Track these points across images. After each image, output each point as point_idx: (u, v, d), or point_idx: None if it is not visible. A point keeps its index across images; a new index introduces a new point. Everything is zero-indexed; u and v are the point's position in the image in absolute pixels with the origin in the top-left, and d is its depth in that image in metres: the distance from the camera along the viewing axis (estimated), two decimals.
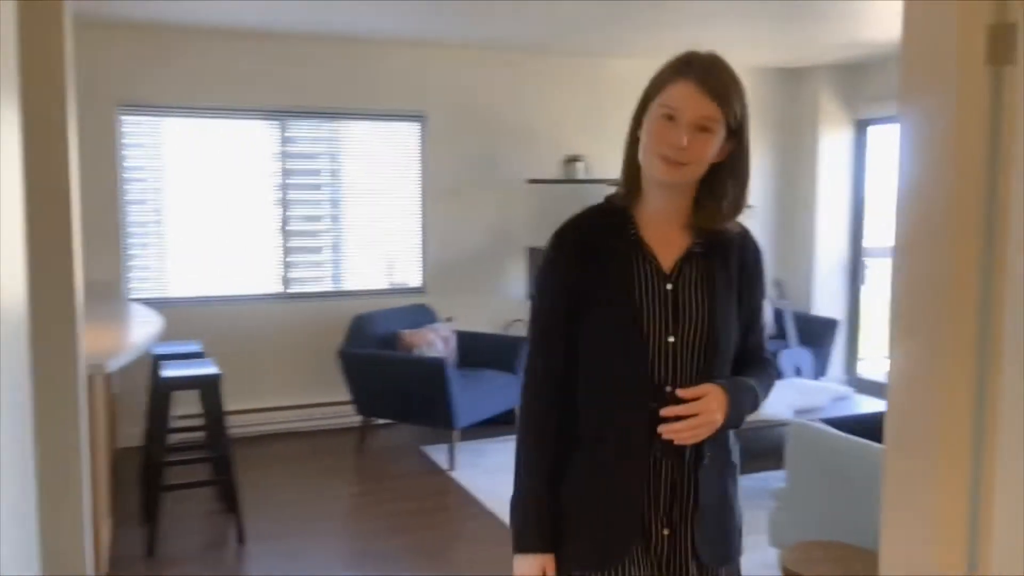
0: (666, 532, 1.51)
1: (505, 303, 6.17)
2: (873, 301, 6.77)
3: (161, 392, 3.84)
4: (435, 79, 5.89)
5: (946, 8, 1.85)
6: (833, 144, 6.65)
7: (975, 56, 1.84)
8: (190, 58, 5.34)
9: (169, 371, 3.88)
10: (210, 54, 5.37)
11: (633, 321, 1.47)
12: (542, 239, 6.29)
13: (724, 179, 1.49)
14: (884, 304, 6.85)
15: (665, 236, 1.52)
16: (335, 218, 5.82)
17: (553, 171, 6.11)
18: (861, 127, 6.66)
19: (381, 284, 5.96)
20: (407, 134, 5.93)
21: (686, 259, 1.52)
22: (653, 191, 1.51)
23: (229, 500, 3.97)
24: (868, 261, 6.73)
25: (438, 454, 5.12)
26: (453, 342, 5.49)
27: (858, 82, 6.56)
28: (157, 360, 4.25)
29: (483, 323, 6.02)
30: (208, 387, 3.90)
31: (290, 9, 4.75)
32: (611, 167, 6.77)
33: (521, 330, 6.09)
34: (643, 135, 1.48)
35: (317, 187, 5.78)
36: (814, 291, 6.67)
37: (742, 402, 1.50)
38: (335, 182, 5.81)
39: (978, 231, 1.84)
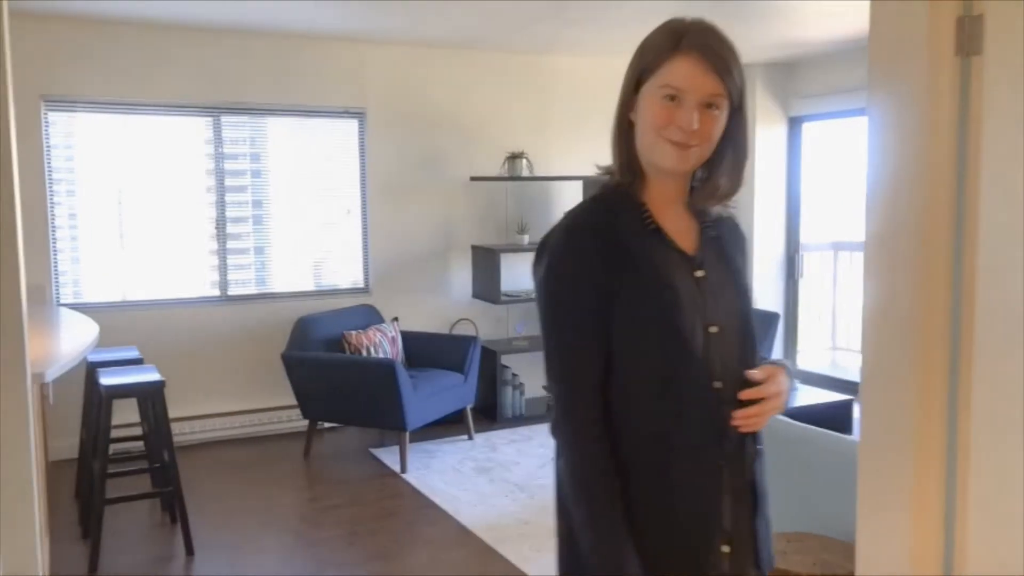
0: (726, 550, 1.37)
1: (450, 302, 6.11)
2: (810, 295, 6.94)
3: (102, 400, 3.66)
4: (374, 75, 5.79)
5: (915, 2, 1.89)
6: (768, 141, 6.79)
7: (944, 47, 1.88)
8: (120, 52, 5.12)
9: (109, 378, 3.70)
10: (141, 48, 5.16)
11: (676, 315, 1.33)
12: (486, 237, 6.28)
13: (724, 153, 1.39)
14: (821, 297, 7.05)
15: (677, 221, 1.42)
16: (273, 218, 5.66)
17: (496, 168, 6.08)
18: (795, 124, 6.82)
19: (322, 285, 5.83)
20: (347, 131, 5.81)
21: (704, 244, 1.43)
22: (658, 176, 1.40)
23: (174, 511, 3.82)
24: (804, 255, 6.90)
25: (388, 457, 5.04)
26: (400, 342, 5.41)
27: (792, 80, 6.72)
28: (92, 367, 4.06)
29: (428, 323, 5.95)
30: (151, 395, 3.75)
31: (224, 2, 4.60)
32: (554, 164, 6.83)
33: (468, 329, 6.05)
34: (641, 119, 1.36)
35: (254, 186, 5.62)
36: (753, 285, 6.79)
37: (793, 384, 1.44)
38: (273, 181, 5.65)
39: (949, 220, 1.88)
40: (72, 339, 3.73)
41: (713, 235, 1.45)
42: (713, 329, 1.36)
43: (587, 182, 6.12)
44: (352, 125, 5.81)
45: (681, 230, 1.42)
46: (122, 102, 5.18)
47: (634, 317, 1.33)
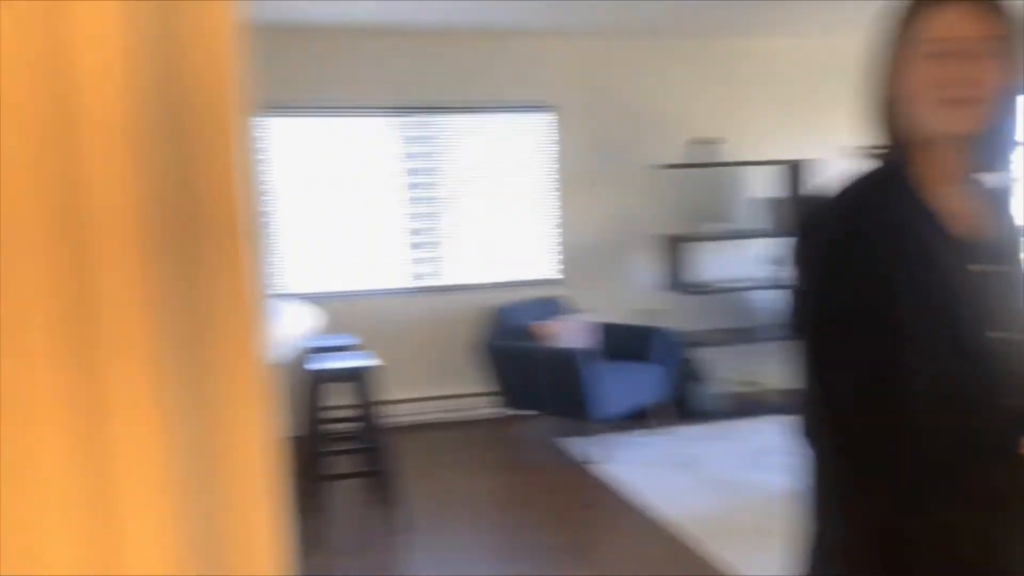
0: None
1: (638, 292, 6.05)
2: None
3: (314, 383, 3.92)
4: (562, 68, 5.81)
5: None
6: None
7: None
8: (315, 57, 5.41)
9: (322, 363, 3.95)
10: (333, 53, 5.42)
11: (951, 315, 1.17)
12: (673, 226, 6.10)
13: (1000, 108, 1.19)
14: None
15: (955, 203, 1.24)
16: (465, 211, 5.82)
17: (686, 156, 5.95)
18: None
19: (514, 276, 5.92)
20: (538, 125, 5.87)
21: (982, 229, 1.24)
22: (931, 148, 1.23)
23: (382, 490, 4.02)
24: None
25: (580, 447, 5.06)
26: (592, 332, 5.42)
27: None
28: (308, 353, 4.34)
29: (616, 313, 5.92)
30: (358, 379, 3.96)
31: (415, 4, 4.76)
32: (748, 149, 6.57)
33: (650, 320, 5.96)
34: (904, 85, 1.21)
35: (447, 182, 5.80)
36: None
37: None
38: (465, 176, 5.81)
39: None
40: (292, 326, 4.00)
41: (997, 221, 1.26)
42: (996, 333, 1.17)
43: (788, 166, 5.87)
44: (543, 119, 5.86)
45: (959, 214, 1.23)
46: (321, 105, 5.48)
47: (902, 315, 1.17)
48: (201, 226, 0.63)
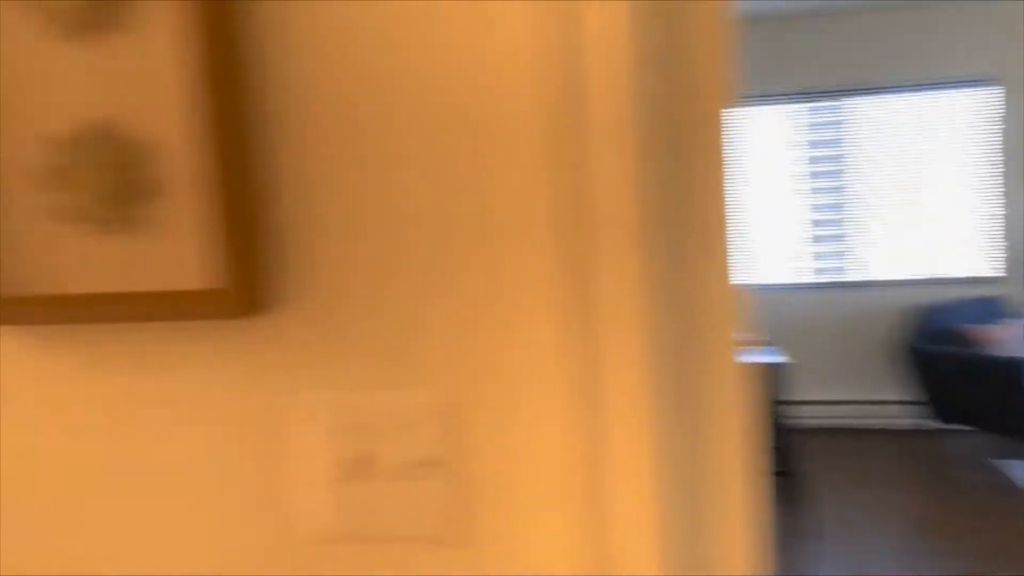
0: None
1: None
2: None
3: None
4: (1012, 35, 5.05)
5: None
6: None
7: None
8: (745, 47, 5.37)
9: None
10: (751, 40, 5.34)
11: None
12: None
13: None
14: None
15: None
16: (884, 202, 5.36)
17: None
18: None
19: (936, 273, 5.32)
20: (976, 102, 5.19)
21: None
22: None
23: (789, 491, 3.89)
24: None
25: (1020, 471, 4.40)
26: None
27: None
28: None
29: None
30: (769, 375, 3.87)
31: None
32: None
33: None
34: None
35: (859, 169, 5.38)
36: None
37: None
38: (882, 162, 5.34)
39: None
40: None
41: None
42: None
43: None
44: (984, 95, 5.17)
45: None
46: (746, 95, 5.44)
47: None
48: (688, 225, 0.65)
